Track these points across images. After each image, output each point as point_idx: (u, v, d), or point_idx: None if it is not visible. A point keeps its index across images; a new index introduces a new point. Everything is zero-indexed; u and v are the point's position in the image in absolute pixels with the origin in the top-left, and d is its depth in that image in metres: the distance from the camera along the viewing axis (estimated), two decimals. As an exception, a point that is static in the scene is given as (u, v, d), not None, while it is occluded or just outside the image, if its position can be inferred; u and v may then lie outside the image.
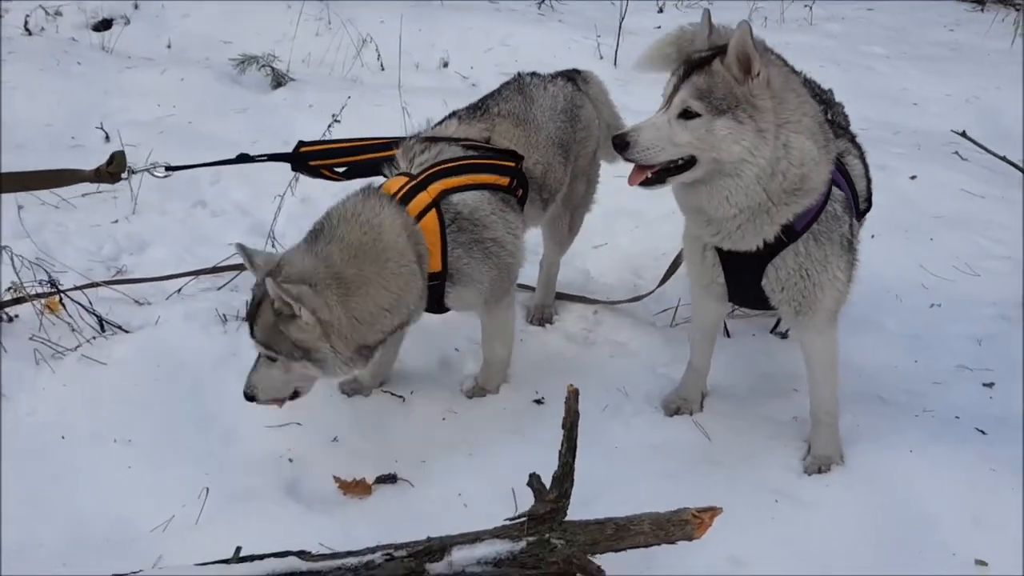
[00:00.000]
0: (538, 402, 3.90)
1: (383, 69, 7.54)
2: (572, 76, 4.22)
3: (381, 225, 3.29)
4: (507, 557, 2.73)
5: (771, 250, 3.15)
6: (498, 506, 3.28)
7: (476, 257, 3.48)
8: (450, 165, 3.50)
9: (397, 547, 2.76)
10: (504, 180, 3.58)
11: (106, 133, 6.04)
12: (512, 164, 3.62)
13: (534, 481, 3.08)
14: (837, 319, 3.39)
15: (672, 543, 2.82)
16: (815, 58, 6.79)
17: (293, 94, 6.87)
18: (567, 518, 2.84)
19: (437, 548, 2.74)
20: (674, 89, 2.96)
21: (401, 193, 3.41)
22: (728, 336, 4.33)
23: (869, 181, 3.53)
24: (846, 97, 3.91)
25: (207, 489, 3.35)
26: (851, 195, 3.27)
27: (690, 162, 2.96)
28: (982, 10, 9.57)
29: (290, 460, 3.58)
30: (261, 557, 2.73)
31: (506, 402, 3.91)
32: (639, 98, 5.92)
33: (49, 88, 6.57)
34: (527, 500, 3.12)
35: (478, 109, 3.84)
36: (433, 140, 3.60)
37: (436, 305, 3.54)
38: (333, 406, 3.81)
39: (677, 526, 2.79)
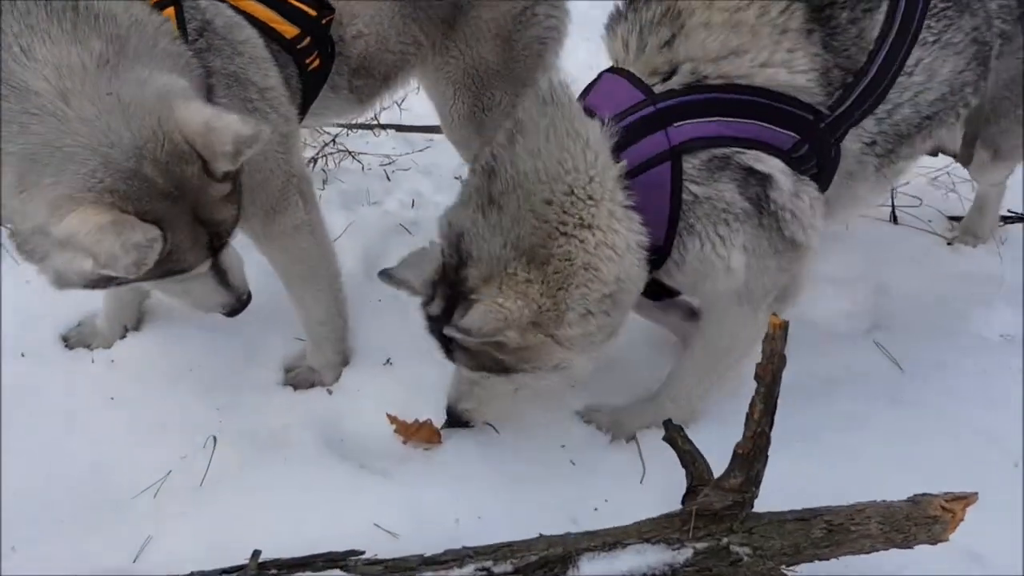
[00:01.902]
0: (655, 312, 2.90)
1: None
2: None
3: None
4: (664, 573, 1.79)
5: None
6: (620, 465, 2.41)
7: (233, 103, 2.25)
8: None
9: (495, 553, 1.83)
10: (290, 29, 2.38)
11: None
12: (312, 12, 2.41)
13: (675, 435, 2.15)
14: (755, 303, 2.32)
15: (910, 547, 1.88)
16: None
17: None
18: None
19: (557, 559, 1.81)
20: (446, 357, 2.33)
21: None
22: (895, 222, 3.30)
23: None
24: None
25: (214, 438, 2.43)
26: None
27: None
28: None
29: (329, 391, 2.67)
30: (289, 568, 1.80)
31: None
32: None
33: None
34: (659, 457, 2.22)
35: None
36: None
37: None
38: (381, 316, 2.83)
39: (920, 525, 1.86)
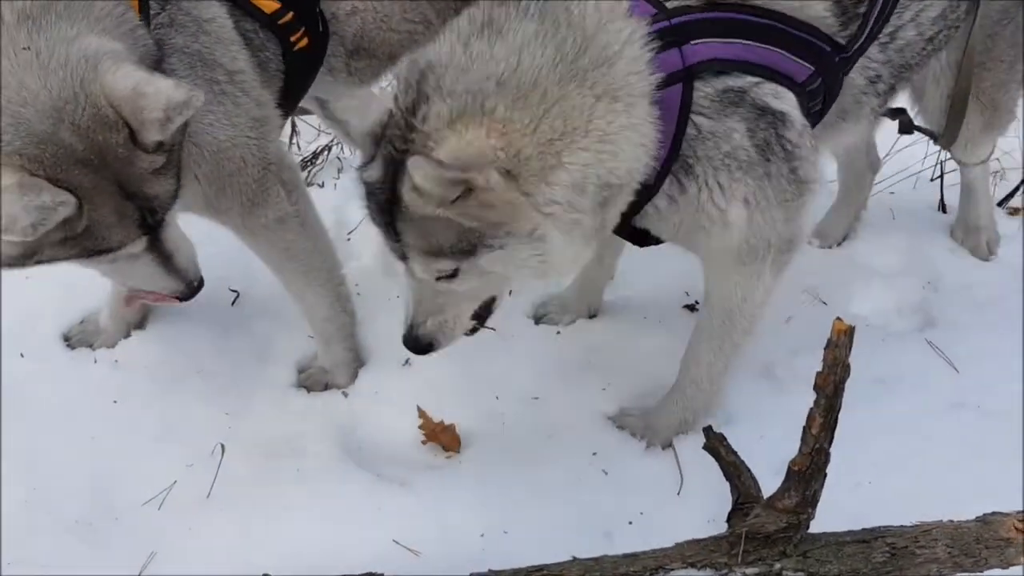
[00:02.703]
0: (690, 308, 2.81)
1: None
2: None
3: None
4: (711, 602, 1.64)
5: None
6: (656, 475, 2.29)
7: (198, 84, 2.03)
8: None
9: (526, 577, 1.67)
10: (270, 3, 2.17)
11: None
12: None
13: (718, 444, 2.00)
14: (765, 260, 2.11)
15: (979, 572, 1.72)
16: None
17: None
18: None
19: (592, 585, 1.64)
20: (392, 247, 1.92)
21: None
22: (943, 211, 3.13)
23: None
24: None
25: (222, 446, 2.28)
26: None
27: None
28: None
29: (344, 394, 2.51)
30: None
31: (647, 308, 2.78)
32: None
33: None
34: (698, 466, 2.05)
35: None
36: None
37: None
38: (399, 314, 2.64)
39: (992, 548, 1.70)
